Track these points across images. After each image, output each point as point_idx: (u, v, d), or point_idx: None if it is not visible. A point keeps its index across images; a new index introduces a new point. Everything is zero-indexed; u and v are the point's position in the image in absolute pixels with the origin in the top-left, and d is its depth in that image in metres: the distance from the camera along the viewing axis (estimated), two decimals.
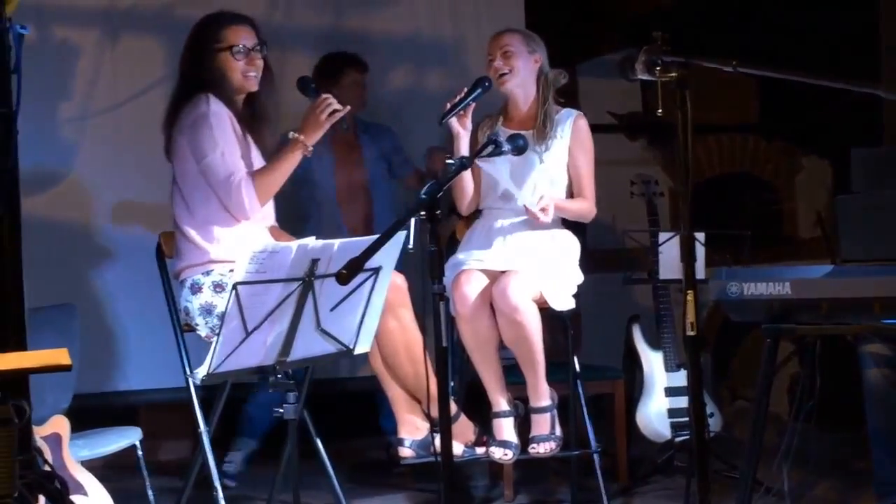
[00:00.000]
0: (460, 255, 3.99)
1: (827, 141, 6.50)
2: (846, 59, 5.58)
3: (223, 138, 3.62)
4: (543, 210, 3.82)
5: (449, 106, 3.88)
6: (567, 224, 4.08)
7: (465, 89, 3.90)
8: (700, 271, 4.21)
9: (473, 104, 3.90)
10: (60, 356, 2.52)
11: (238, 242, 3.62)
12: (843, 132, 5.87)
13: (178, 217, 3.73)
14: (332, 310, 3.08)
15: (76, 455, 3.48)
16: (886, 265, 3.09)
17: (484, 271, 3.88)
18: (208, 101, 3.64)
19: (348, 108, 3.63)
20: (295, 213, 4.88)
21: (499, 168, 3.90)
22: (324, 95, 3.61)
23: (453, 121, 3.88)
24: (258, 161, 3.74)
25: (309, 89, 3.69)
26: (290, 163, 3.62)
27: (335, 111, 3.57)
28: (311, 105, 3.61)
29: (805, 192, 6.85)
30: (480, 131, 4.03)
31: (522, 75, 3.98)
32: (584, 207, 4.00)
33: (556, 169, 3.97)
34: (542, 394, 3.90)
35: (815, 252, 5.94)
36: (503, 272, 3.85)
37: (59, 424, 3.44)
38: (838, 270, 3.12)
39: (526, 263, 3.87)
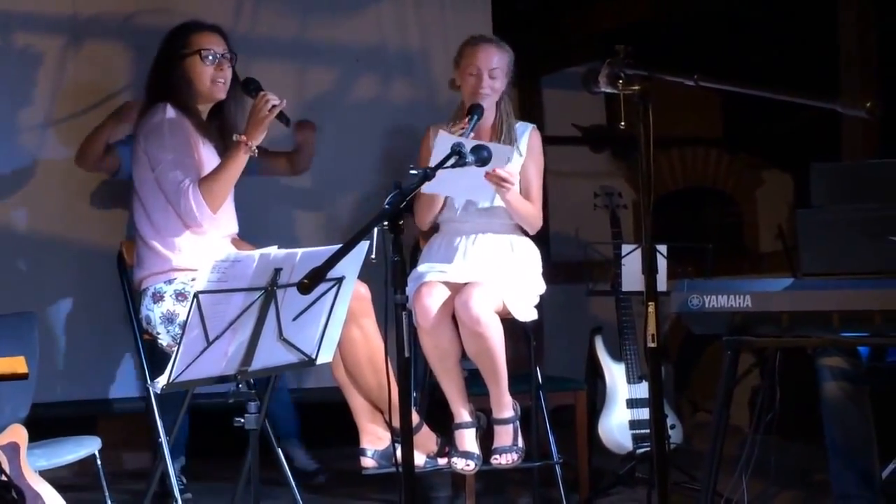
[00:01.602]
0: (421, 268, 3.99)
1: (788, 155, 6.58)
2: (807, 75, 5.65)
3: (176, 146, 3.62)
4: (507, 178, 3.78)
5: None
6: (528, 234, 4.08)
7: (466, 120, 3.90)
8: (662, 283, 4.23)
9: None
10: (18, 364, 2.50)
11: (200, 250, 3.61)
12: (805, 146, 5.94)
13: (139, 226, 3.72)
14: (294, 319, 3.07)
15: (34, 465, 3.45)
16: (845, 279, 3.13)
17: (446, 283, 3.88)
18: (165, 109, 3.66)
19: (284, 101, 3.61)
20: None
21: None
22: (262, 92, 3.61)
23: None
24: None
25: (250, 89, 3.70)
26: (236, 165, 3.61)
27: (274, 106, 3.57)
28: (252, 104, 3.62)
29: (766, 206, 6.92)
30: (432, 137, 4.02)
31: (496, 95, 4.02)
32: (533, 212, 4.00)
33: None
34: (505, 405, 3.91)
35: (775, 265, 6.01)
36: (465, 284, 3.85)
37: (17, 433, 3.40)
38: (798, 284, 3.15)
39: (488, 275, 3.88)
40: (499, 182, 3.78)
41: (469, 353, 3.85)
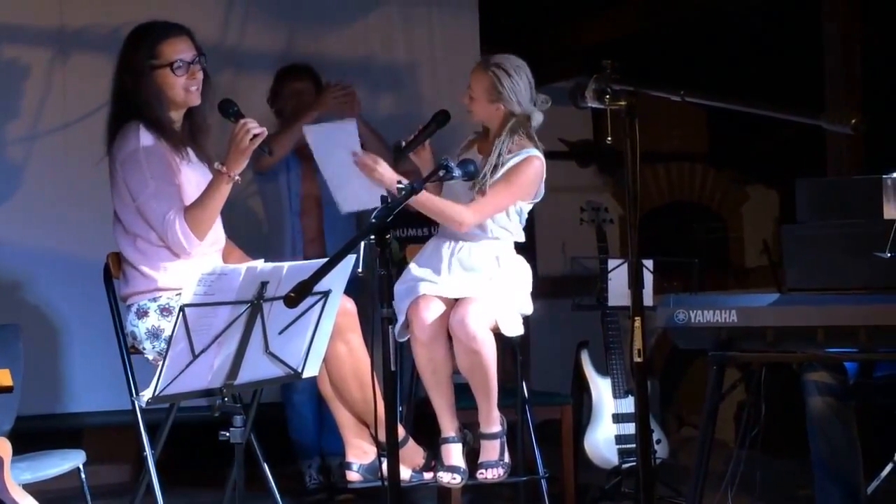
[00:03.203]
0: (414, 270, 3.96)
1: (774, 171, 6.61)
2: (792, 90, 5.68)
3: (154, 174, 3.52)
4: (372, 165, 3.72)
5: (404, 144, 3.91)
6: (518, 249, 4.07)
7: (421, 127, 3.91)
8: (648, 298, 4.25)
9: (428, 139, 3.93)
10: (2, 377, 2.49)
11: (187, 270, 3.54)
12: (790, 162, 5.96)
13: (123, 250, 3.64)
14: (280, 333, 3.06)
15: (18, 478, 3.43)
16: (830, 294, 3.14)
17: (439, 297, 3.87)
18: (138, 135, 3.53)
19: (265, 131, 3.50)
20: (255, 221, 4.88)
21: (455, 192, 3.93)
22: (242, 121, 3.47)
23: (411, 155, 3.92)
24: (202, 180, 3.65)
25: (229, 113, 3.54)
26: (219, 195, 3.51)
27: (256, 136, 3.44)
28: (231, 134, 3.48)
29: (752, 221, 6.95)
30: (461, 153, 4.02)
31: (483, 119, 3.98)
32: (455, 212, 3.84)
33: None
34: (493, 420, 3.90)
35: (761, 280, 6.03)
36: (458, 299, 3.84)
37: (1, 447, 3.38)
38: (784, 299, 3.16)
39: (480, 289, 3.87)
40: (363, 166, 3.72)
41: (461, 368, 3.84)
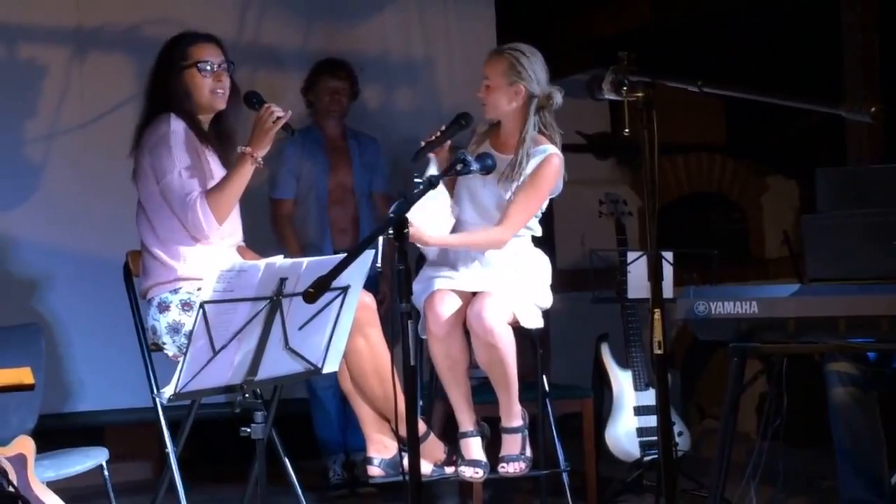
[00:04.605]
0: (430, 269, 3.96)
1: (793, 161, 6.58)
2: (810, 80, 5.65)
3: (181, 157, 3.62)
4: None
5: (423, 144, 3.89)
6: (536, 242, 4.06)
7: (442, 128, 3.90)
8: (668, 290, 4.23)
9: (448, 141, 3.92)
10: (23, 375, 2.50)
11: (205, 260, 3.61)
12: (810, 152, 5.94)
13: (143, 237, 3.73)
14: (300, 329, 3.07)
15: (41, 476, 3.45)
16: (852, 284, 3.12)
17: (455, 291, 3.87)
18: (169, 121, 3.64)
19: (290, 113, 3.61)
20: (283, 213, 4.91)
21: (471, 188, 3.92)
22: (266, 105, 3.60)
23: (431, 155, 3.91)
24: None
25: (253, 103, 3.67)
26: (242, 177, 3.60)
27: (279, 118, 3.55)
28: (256, 117, 3.60)
29: (772, 212, 6.92)
30: (470, 148, 4.01)
31: (502, 108, 3.92)
32: (489, 239, 3.87)
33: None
34: (514, 414, 3.90)
35: (782, 271, 6.00)
36: (475, 293, 3.84)
37: (24, 445, 3.40)
38: (805, 289, 3.15)
39: (497, 283, 3.86)
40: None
41: (480, 363, 3.84)
